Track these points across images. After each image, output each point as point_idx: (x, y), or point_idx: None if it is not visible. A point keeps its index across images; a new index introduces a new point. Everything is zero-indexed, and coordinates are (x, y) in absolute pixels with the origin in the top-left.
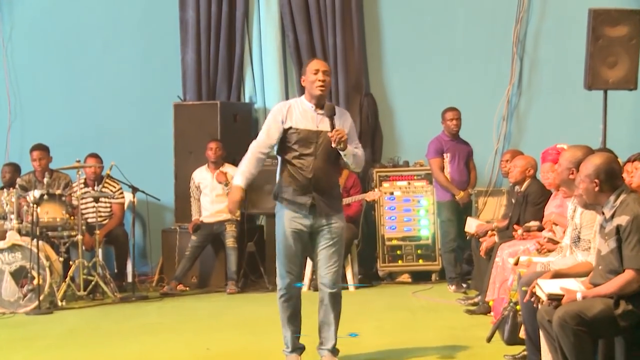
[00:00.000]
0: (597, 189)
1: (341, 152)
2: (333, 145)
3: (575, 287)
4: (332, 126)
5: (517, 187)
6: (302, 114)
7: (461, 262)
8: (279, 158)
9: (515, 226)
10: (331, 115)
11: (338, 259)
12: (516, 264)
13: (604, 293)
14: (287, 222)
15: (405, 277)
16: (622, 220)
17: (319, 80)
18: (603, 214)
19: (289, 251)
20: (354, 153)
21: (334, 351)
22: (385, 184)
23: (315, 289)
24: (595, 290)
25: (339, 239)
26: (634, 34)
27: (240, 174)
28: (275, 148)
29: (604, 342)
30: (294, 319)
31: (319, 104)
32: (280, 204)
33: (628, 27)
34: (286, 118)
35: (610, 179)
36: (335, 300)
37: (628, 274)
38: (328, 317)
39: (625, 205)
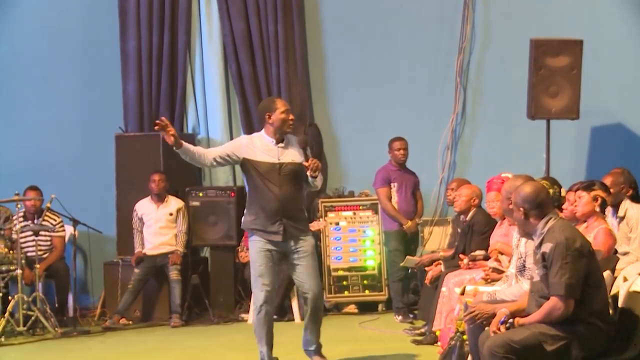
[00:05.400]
0: (522, 217)
1: (311, 178)
2: (308, 173)
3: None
4: (307, 157)
5: (462, 217)
6: (263, 148)
7: (408, 292)
8: (247, 190)
9: (461, 255)
10: (305, 147)
11: (316, 268)
12: (462, 293)
13: (530, 322)
14: (260, 244)
15: (352, 308)
16: (547, 247)
17: (291, 120)
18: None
19: (264, 267)
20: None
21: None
22: (331, 214)
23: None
24: (524, 319)
25: (313, 252)
26: (575, 64)
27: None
28: (245, 180)
29: None
30: (270, 334)
31: (281, 139)
32: (251, 232)
33: (569, 57)
34: (248, 150)
35: (536, 207)
36: (321, 303)
37: (552, 301)
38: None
39: (552, 232)
